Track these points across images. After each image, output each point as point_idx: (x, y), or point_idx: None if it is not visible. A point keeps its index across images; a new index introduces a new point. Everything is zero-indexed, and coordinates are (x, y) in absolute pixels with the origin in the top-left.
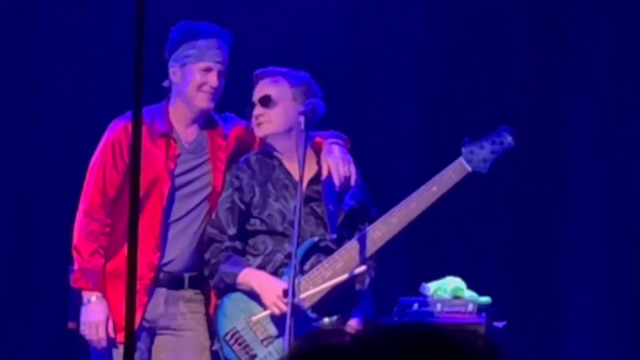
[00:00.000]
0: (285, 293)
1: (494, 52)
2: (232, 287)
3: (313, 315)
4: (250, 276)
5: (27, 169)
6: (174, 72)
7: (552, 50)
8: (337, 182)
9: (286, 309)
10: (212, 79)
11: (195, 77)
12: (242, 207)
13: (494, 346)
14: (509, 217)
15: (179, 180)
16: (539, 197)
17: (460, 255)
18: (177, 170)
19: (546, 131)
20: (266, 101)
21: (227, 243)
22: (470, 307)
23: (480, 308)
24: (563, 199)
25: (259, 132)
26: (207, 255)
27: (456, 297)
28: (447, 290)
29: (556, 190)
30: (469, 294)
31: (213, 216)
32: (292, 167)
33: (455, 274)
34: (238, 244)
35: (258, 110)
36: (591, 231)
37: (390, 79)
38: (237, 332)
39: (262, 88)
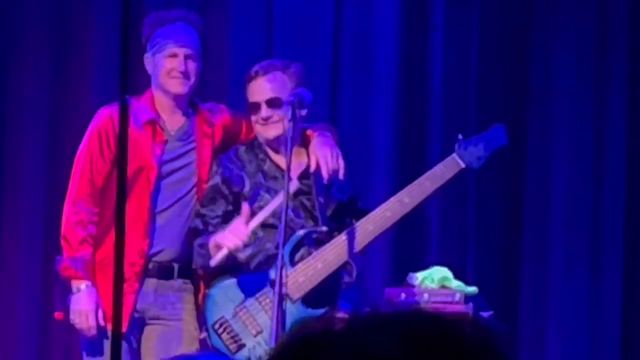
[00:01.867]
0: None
1: (476, 46)
2: (208, 261)
3: (301, 307)
4: (217, 235)
5: (14, 160)
6: (148, 63)
7: (534, 45)
8: (325, 175)
9: (240, 242)
10: (179, 64)
11: (163, 64)
12: (230, 197)
13: (490, 335)
14: (496, 207)
15: (166, 168)
16: (524, 187)
17: (448, 245)
18: (164, 158)
19: (531, 125)
20: (275, 102)
21: (211, 230)
22: (458, 296)
23: (468, 298)
24: (547, 189)
25: (270, 132)
26: (191, 248)
27: (443, 287)
28: (435, 280)
29: (540, 180)
30: (456, 283)
31: (197, 206)
32: (282, 160)
33: (442, 264)
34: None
35: (267, 112)
36: (575, 221)
37: (372, 73)
38: (226, 321)
39: (268, 87)
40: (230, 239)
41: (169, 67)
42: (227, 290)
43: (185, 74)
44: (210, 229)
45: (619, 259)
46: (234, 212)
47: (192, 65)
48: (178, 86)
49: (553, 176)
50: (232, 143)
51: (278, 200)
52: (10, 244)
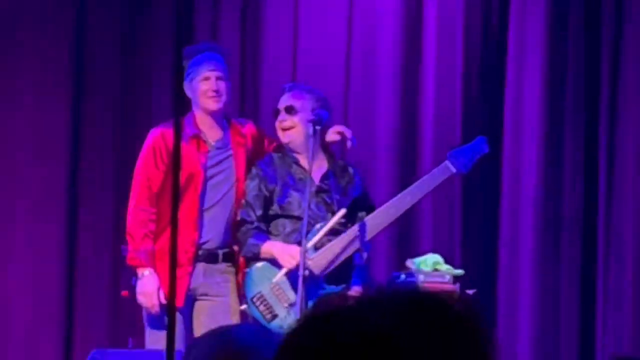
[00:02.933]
0: (298, 253)
1: (461, 69)
2: (257, 256)
3: (323, 283)
4: (271, 246)
5: (89, 173)
6: (187, 89)
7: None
8: (348, 136)
9: (296, 263)
10: (212, 84)
11: (199, 87)
12: (267, 194)
13: (473, 309)
14: (478, 205)
15: (209, 173)
16: (500, 189)
17: (439, 236)
18: (208, 164)
19: (506, 130)
20: (290, 109)
21: (256, 223)
22: (447, 277)
23: (455, 278)
24: (519, 188)
25: (285, 138)
26: (239, 234)
27: (436, 270)
28: (428, 264)
29: (513, 181)
30: (446, 267)
31: (243, 201)
32: (307, 165)
33: (434, 251)
34: (263, 225)
35: (283, 115)
36: (541, 217)
37: (376, 83)
38: (262, 295)
39: (289, 99)
40: (289, 260)
41: (204, 88)
42: (264, 269)
43: (218, 92)
44: (255, 222)
45: (577, 249)
46: (270, 205)
47: (222, 85)
48: (214, 103)
49: (525, 177)
50: (259, 150)
51: (325, 230)
52: (87, 237)
